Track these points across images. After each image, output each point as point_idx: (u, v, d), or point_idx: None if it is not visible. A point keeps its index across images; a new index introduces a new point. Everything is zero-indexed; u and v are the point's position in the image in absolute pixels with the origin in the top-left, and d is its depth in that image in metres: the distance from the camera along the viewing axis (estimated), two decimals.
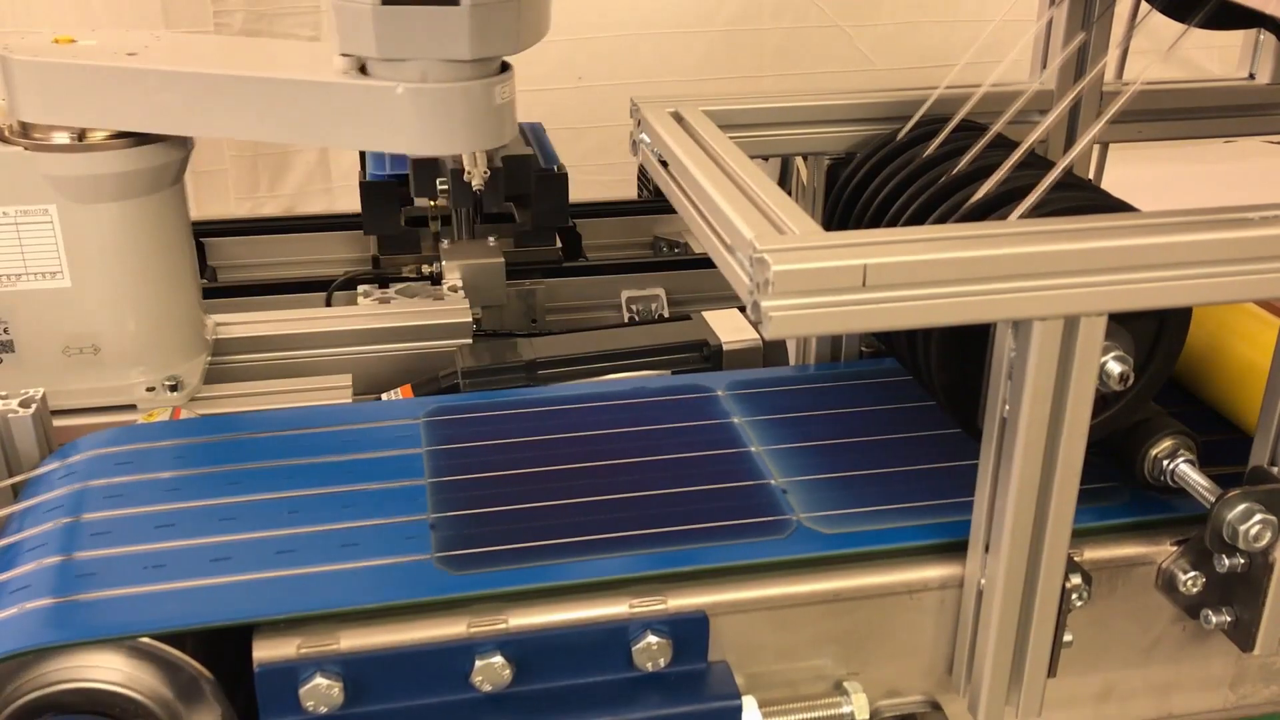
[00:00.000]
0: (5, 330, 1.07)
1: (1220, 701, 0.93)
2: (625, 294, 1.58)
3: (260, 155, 2.33)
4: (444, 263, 1.48)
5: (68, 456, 0.93)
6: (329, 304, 1.47)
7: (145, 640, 0.74)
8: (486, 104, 1.02)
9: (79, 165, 1.04)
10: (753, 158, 0.87)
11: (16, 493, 0.94)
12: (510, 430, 0.96)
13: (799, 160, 1.08)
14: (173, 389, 1.12)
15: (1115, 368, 0.75)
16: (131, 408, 1.11)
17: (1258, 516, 0.77)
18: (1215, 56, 2.38)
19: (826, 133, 1.03)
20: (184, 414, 1.09)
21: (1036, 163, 0.93)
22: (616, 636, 0.78)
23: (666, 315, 1.55)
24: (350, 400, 1.17)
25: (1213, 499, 0.79)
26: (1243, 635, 0.81)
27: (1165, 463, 0.84)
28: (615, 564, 0.80)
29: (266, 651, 0.74)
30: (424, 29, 0.97)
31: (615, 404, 1.00)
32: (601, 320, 1.54)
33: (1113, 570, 0.84)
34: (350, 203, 1.59)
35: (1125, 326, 0.77)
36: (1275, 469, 0.78)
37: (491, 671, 0.76)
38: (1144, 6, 0.97)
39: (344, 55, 1.01)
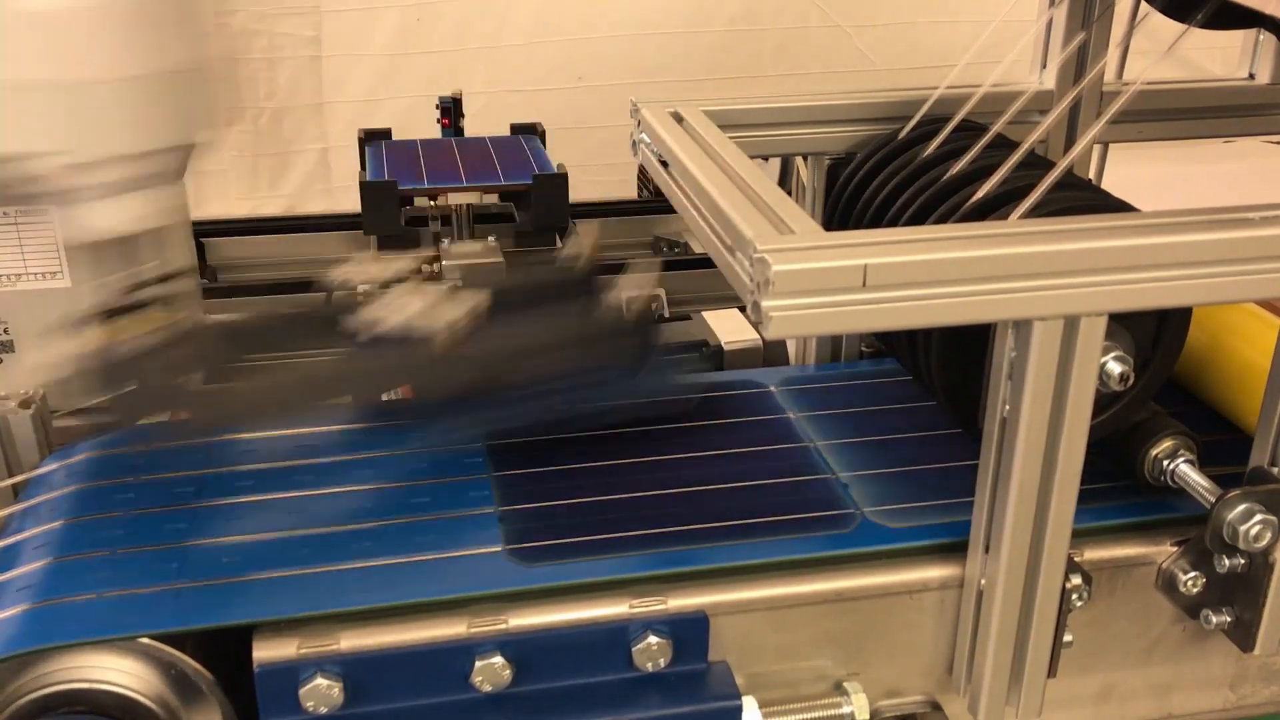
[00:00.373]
0: (5, 330, 1.07)
1: (1220, 702, 0.93)
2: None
3: (260, 155, 2.33)
4: (444, 263, 1.48)
5: (68, 457, 0.93)
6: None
7: (145, 640, 0.74)
8: None
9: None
10: (753, 158, 0.87)
11: (17, 493, 0.94)
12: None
13: (799, 160, 1.08)
14: None
15: (1115, 368, 0.75)
16: None
17: (1258, 517, 0.77)
18: (1216, 57, 2.38)
19: (826, 133, 1.03)
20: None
21: (1036, 163, 0.93)
22: (616, 637, 0.78)
23: (666, 315, 1.55)
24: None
25: (1213, 499, 0.79)
26: (1243, 635, 0.81)
27: (1165, 463, 0.84)
28: (693, 556, 0.81)
29: (266, 651, 0.74)
30: None
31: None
32: None
33: (1113, 570, 0.84)
34: (350, 203, 1.59)
35: (1125, 326, 0.77)
36: (1275, 469, 0.78)
37: (491, 671, 0.76)
38: (1144, 6, 0.97)
39: None
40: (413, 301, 0.80)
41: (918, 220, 0.89)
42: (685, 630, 0.78)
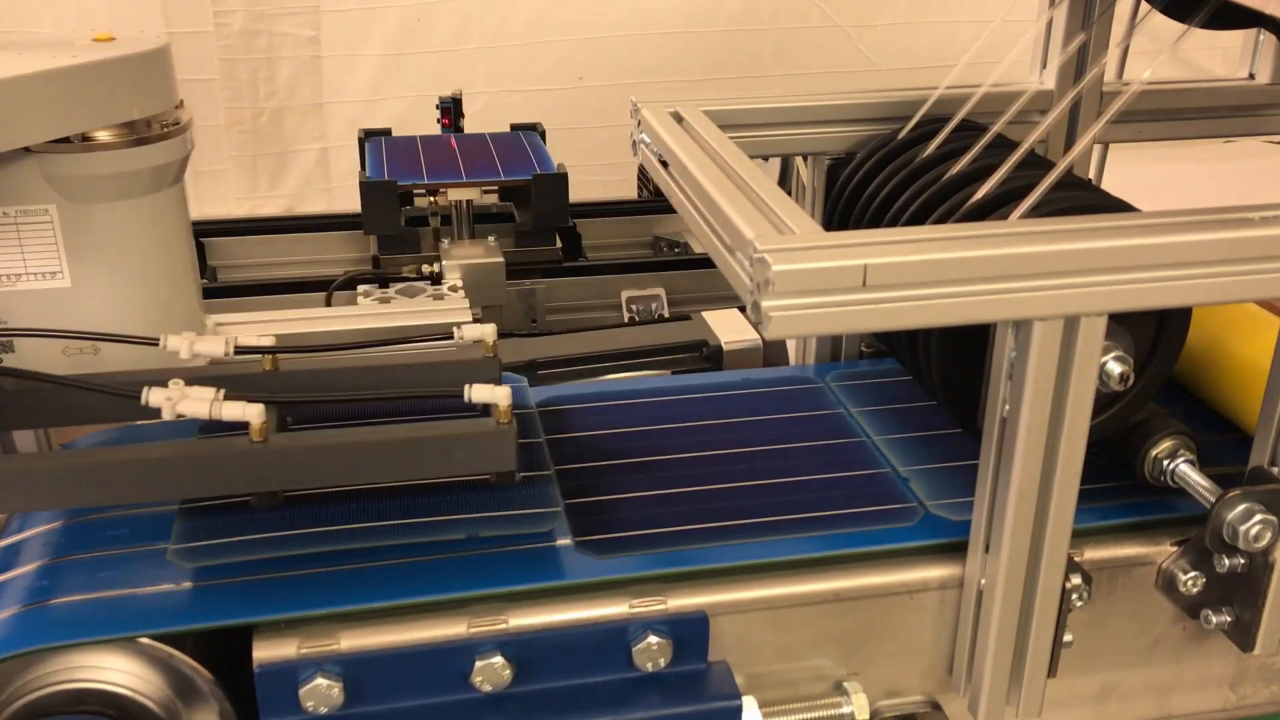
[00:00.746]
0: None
1: (1220, 702, 0.93)
2: (625, 294, 1.58)
3: (260, 155, 2.33)
4: (444, 263, 1.49)
5: None
6: (329, 304, 1.47)
7: (145, 640, 0.74)
8: None
9: (79, 165, 1.03)
10: (753, 158, 0.87)
11: None
12: (628, 419, 0.98)
13: (799, 160, 1.08)
14: None
15: (1115, 368, 0.75)
16: None
17: (1258, 516, 0.77)
18: (1217, 57, 2.38)
19: (826, 133, 1.03)
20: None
21: (1036, 163, 0.93)
22: (617, 636, 0.78)
23: (666, 315, 1.55)
24: None
25: (1213, 499, 0.79)
26: (1243, 635, 0.81)
27: (1165, 463, 0.84)
28: (761, 549, 0.82)
29: (266, 651, 0.74)
30: None
31: (724, 394, 1.02)
32: (601, 320, 1.54)
33: (1113, 570, 0.84)
34: (350, 203, 1.59)
35: (1125, 326, 0.77)
36: (1275, 469, 0.78)
37: (491, 671, 0.76)
38: (1144, 6, 0.97)
39: None
40: (197, 393, 0.78)
41: (918, 220, 0.89)
42: (685, 630, 0.78)
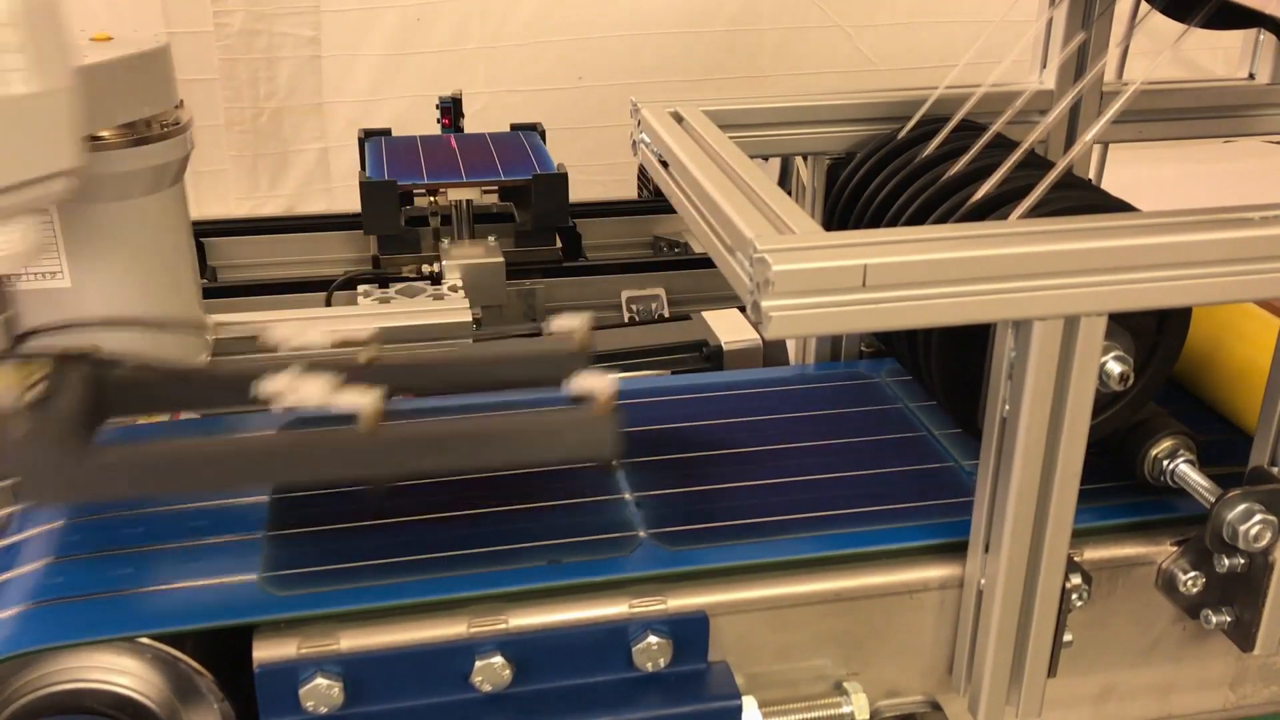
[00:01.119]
0: None
1: (1220, 702, 0.93)
2: (625, 294, 1.58)
3: (260, 155, 2.33)
4: (444, 262, 1.49)
5: None
6: (329, 304, 1.47)
7: (145, 640, 0.74)
8: None
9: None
10: (753, 158, 0.87)
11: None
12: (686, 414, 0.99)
13: (799, 160, 1.08)
14: None
15: (1115, 368, 0.75)
16: None
17: (1258, 516, 0.77)
18: (1217, 57, 2.38)
19: (826, 133, 1.03)
20: (183, 415, 1.09)
21: (1036, 163, 0.93)
22: (617, 636, 0.78)
23: (666, 315, 1.55)
24: None
25: (1213, 499, 0.79)
26: (1243, 635, 0.81)
27: (1165, 463, 0.84)
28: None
29: (266, 651, 0.74)
30: None
31: (782, 390, 1.03)
32: (601, 320, 1.54)
33: (1113, 570, 0.84)
34: (350, 203, 1.59)
35: (1125, 326, 0.77)
36: (1275, 469, 0.78)
37: (491, 671, 0.76)
38: (1144, 6, 0.97)
39: None
40: (314, 382, 0.77)
41: (917, 220, 0.89)
42: (685, 630, 0.78)
